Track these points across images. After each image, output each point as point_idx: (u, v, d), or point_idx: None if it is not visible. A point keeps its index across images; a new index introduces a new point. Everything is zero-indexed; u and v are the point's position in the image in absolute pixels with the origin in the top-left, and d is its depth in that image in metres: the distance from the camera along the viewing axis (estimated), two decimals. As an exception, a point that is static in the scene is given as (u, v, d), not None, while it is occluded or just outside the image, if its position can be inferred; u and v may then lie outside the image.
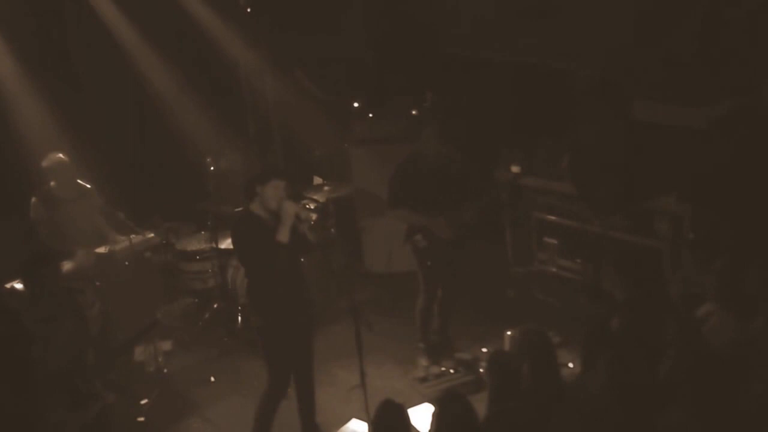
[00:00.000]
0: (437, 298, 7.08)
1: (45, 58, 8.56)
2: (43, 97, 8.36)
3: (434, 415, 4.43)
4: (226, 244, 7.94)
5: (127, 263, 7.42)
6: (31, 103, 8.34)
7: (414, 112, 8.73)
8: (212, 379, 7.27)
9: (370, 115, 9.19)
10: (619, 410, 4.20)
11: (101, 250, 7.35)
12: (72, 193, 7.29)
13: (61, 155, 7.26)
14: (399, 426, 4.44)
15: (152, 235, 7.81)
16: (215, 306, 8.14)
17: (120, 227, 7.42)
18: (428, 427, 4.54)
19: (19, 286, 6.64)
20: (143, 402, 6.74)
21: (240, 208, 5.93)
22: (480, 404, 4.64)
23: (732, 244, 6.06)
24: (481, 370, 6.68)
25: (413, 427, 5.40)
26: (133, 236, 7.24)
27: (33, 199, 7.24)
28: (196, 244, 8.34)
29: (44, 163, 7.23)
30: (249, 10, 9.28)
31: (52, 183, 7.26)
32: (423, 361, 7.11)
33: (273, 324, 5.81)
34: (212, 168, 8.08)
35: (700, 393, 4.24)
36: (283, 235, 5.58)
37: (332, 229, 8.51)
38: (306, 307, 6.02)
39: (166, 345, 7.67)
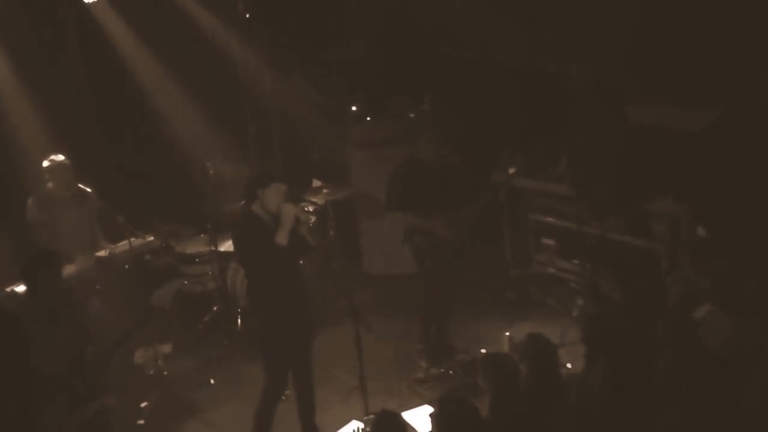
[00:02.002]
0: (439, 299, 7.10)
1: (42, 59, 8.57)
2: (43, 100, 8.40)
3: (434, 416, 4.44)
4: (226, 246, 7.97)
5: (127, 266, 7.44)
6: (30, 106, 8.37)
7: (412, 115, 8.75)
8: (212, 381, 7.30)
9: (368, 118, 9.22)
10: (616, 410, 4.22)
11: (101, 253, 7.36)
12: (69, 196, 7.30)
13: (61, 157, 7.27)
14: None
15: (152, 238, 7.82)
16: (215, 308, 8.17)
17: (119, 231, 7.43)
18: (428, 428, 4.55)
19: (18, 289, 6.66)
20: (143, 405, 6.74)
21: (240, 207, 5.95)
22: (480, 406, 4.66)
23: (729, 246, 6.08)
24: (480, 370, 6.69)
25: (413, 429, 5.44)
26: (132, 239, 7.24)
27: (29, 201, 7.24)
28: (195, 246, 8.37)
29: (44, 164, 7.24)
30: (248, 15, 9.29)
31: (50, 185, 7.26)
32: (422, 363, 7.12)
33: (272, 325, 5.84)
34: (212, 171, 8.10)
35: (696, 394, 4.26)
36: (282, 238, 5.61)
37: (331, 232, 8.53)
38: (305, 308, 6.04)
39: (166, 348, 7.69)
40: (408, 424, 4.58)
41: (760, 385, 4.37)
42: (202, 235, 8.45)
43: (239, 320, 7.95)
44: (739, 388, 4.33)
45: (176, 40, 9.11)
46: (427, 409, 6.24)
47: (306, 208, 8.03)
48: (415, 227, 6.84)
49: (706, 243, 6.29)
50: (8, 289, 6.80)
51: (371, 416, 5.63)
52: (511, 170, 8.30)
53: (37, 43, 8.51)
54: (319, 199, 8.47)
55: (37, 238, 7.18)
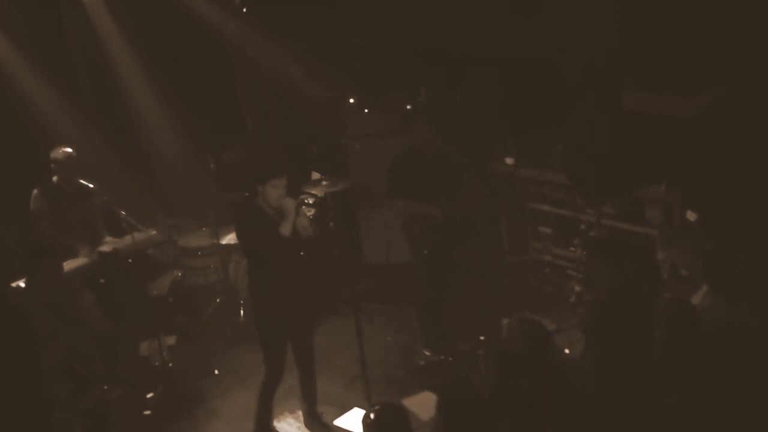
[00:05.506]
0: (438, 287, 7.20)
1: (45, 58, 8.65)
2: (46, 95, 8.49)
3: (438, 402, 4.48)
4: (228, 239, 8.08)
5: (130, 260, 7.50)
6: (34, 105, 8.46)
7: (408, 107, 8.82)
8: (216, 372, 7.38)
9: (366, 110, 9.29)
10: (609, 394, 4.31)
11: (104, 247, 7.43)
12: (74, 190, 7.37)
13: (69, 149, 7.34)
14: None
15: (155, 232, 7.88)
16: (218, 300, 8.28)
17: (121, 225, 7.50)
18: (430, 414, 4.60)
19: (23, 284, 6.74)
20: (149, 395, 6.85)
21: (242, 199, 6.04)
22: (481, 392, 4.74)
23: (720, 230, 6.18)
24: (479, 356, 6.79)
25: (414, 416, 5.50)
26: (135, 234, 7.31)
27: (34, 192, 7.29)
28: (197, 240, 8.46)
29: (52, 155, 7.29)
30: (245, 9, 9.37)
31: (55, 177, 7.33)
32: (422, 350, 7.22)
33: (271, 315, 5.95)
34: (212, 165, 8.19)
35: (689, 377, 4.34)
36: (286, 230, 5.73)
37: (331, 223, 8.63)
38: (305, 298, 6.14)
39: (171, 339, 7.78)
40: (410, 413, 4.63)
41: (750, 368, 4.45)
42: (204, 229, 8.55)
43: (241, 311, 8.05)
44: (731, 371, 4.40)
45: (175, 35, 9.16)
46: (428, 396, 6.35)
47: (306, 201, 8.13)
48: (412, 213, 6.95)
49: (697, 227, 6.38)
50: (14, 284, 6.87)
51: (377, 407, 5.72)
52: (509, 160, 8.43)
53: (39, 41, 8.58)
54: (318, 191, 8.56)
55: (40, 230, 7.25)
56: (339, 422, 6.32)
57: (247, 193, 5.99)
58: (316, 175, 8.89)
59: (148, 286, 8.00)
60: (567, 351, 6.27)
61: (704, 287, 5.14)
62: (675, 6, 7.06)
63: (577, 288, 7.52)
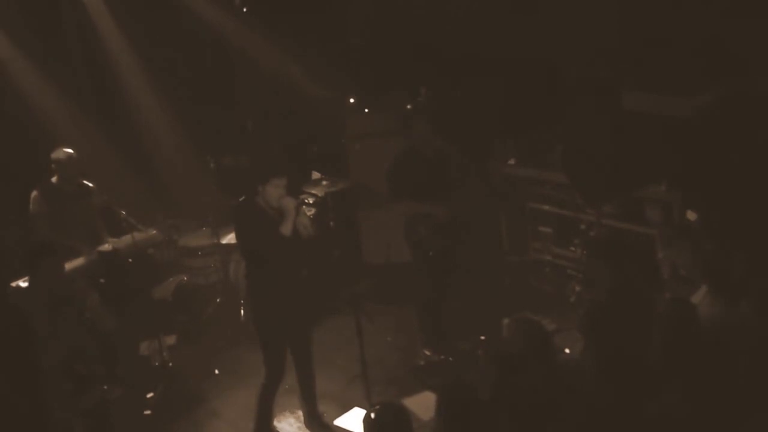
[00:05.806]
0: (440, 288, 7.21)
1: (45, 57, 8.66)
2: (46, 98, 8.50)
3: (438, 402, 4.48)
4: (228, 239, 8.08)
5: (130, 260, 7.51)
6: (34, 105, 8.47)
7: (408, 107, 8.84)
8: (217, 371, 7.39)
9: (366, 110, 9.30)
10: (609, 394, 4.32)
11: (105, 247, 7.43)
12: (73, 190, 7.37)
13: (69, 150, 7.35)
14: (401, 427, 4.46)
15: (155, 232, 7.89)
16: (218, 300, 8.28)
17: (122, 225, 7.51)
18: (431, 414, 4.61)
19: (24, 284, 6.75)
20: (149, 395, 6.85)
21: (241, 200, 6.05)
22: (481, 392, 4.74)
23: (719, 230, 6.19)
24: (479, 356, 6.79)
25: (414, 416, 5.51)
26: (135, 233, 7.32)
27: (34, 192, 7.30)
28: (198, 240, 8.47)
29: (52, 155, 7.30)
30: (245, 9, 9.37)
31: (55, 178, 7.34)
32: (423, 350, 7.23)
33: (271, 315, 5.95)
34: (212, 165, 8.20)
35: (689, 377, 4.35)
36: (287, 229, 5.73)
37: (331, 223, 8.64)
38: (304, 298, 6.15)
39: (171, 339, 7.78)
40: (411, 413, 4.63)
41: (749, 367, 4.45)
42: (204, 229, 8.56)
43: (242, 311, 8.05)
44: (731, 371, 4.41)
45: (174, 35, 9.17)
46: (428, 396, 6.35)
47: (306, 200, 8.14)
48: (415, 214, 6.95)
49: (697, 227, 6.39)
50: (14, 284, 6.89)
51: (377, 407, 5.74)
52: (511, 161, 8.44)
53: (39, 41, 8.59)
54: (318, 191, 8.57)
55: (40, 231, 7.24)
56: (339, 422, 6.33)
57: (246, 194, 6.00)
58: (316, 175, 8.91)
59: (153, 290, 8.01)
60: (567, 351, 6.28)
61: (704, 287, 5.13)
62: (675, 6, 7.06)
63: (577, 288, 7.54)
